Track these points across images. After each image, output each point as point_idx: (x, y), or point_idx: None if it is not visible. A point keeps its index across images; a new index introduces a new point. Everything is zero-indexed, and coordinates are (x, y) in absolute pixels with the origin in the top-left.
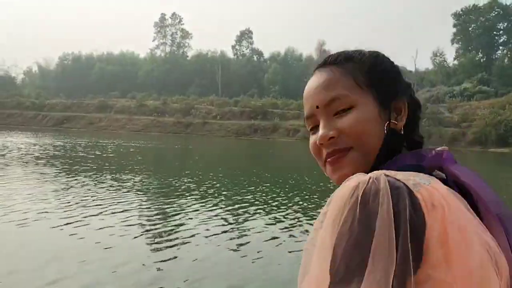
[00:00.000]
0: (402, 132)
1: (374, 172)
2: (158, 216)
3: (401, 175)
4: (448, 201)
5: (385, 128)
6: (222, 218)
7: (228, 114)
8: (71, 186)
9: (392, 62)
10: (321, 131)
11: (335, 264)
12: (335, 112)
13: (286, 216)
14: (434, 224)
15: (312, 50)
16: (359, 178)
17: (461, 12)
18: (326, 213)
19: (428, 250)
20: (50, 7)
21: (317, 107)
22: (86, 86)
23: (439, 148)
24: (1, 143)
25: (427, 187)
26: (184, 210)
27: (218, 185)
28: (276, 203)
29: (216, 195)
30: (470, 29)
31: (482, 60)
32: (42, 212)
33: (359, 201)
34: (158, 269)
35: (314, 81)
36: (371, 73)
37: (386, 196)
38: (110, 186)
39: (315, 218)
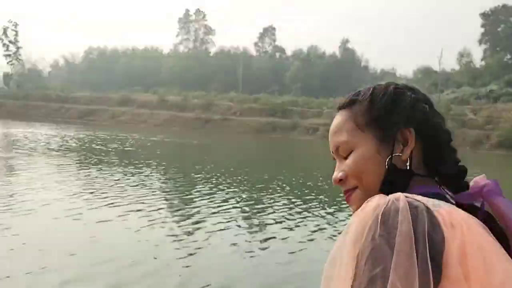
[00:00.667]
0: (408, 164)
1: (394, 194)
2: (175, 213)
3: (420, 197)
4: (467, 222)
5: (386, 164)
6: (241, 217)
7: (247, 111)
8: (82, 178)
9: (398, 91)
10: (334, 174)
11: (358, 276)
12: (343, 156)
13: (307, 217)
14: (453, 242)
15: (335, 48)
16: (379, 200)
17: (489, 12)
18: (346, 235)
19: (448, 267)
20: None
21: (332, 152)
22: (110, 80)
23: (487, 181)
24: (22, 134)
25: (446, 208)
26: (201, 207)
27: (235, 182)
28: (297, 203)
29: (234, 192)
30: (498, 29)
31: (510, 61)
32: (47, 204)
33: (379, 220)
34: (184, 267)
35: (332, 125)
36: (369, 112)
37: (406, 214)
38: (123, 179)
39: (336, 219)
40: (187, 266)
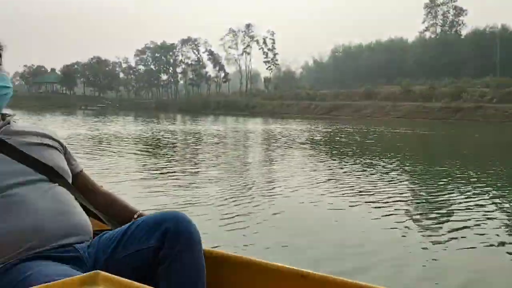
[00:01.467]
0: None
1: None
2: (425, 206)
3: None
4: None
5: None
6: (492, 216)
7: (506, 96)
8: (324, 168)
9: None
10: None
11: None
12: None
13: None
14: None
15: None
16: None
17: None
18: None
19: None
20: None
21: None
22: (355, 75)
23: None
24: (278, 130)
25: None
26: (439, 200)
27: (485, 177)
28: None
29: (482, 187)
30: None
31: None
32: (294, 190)
33: None
34: (423, 266)
35: None
36: None
37: None
38: (361, 169)
39: None
40: (432, 259)
